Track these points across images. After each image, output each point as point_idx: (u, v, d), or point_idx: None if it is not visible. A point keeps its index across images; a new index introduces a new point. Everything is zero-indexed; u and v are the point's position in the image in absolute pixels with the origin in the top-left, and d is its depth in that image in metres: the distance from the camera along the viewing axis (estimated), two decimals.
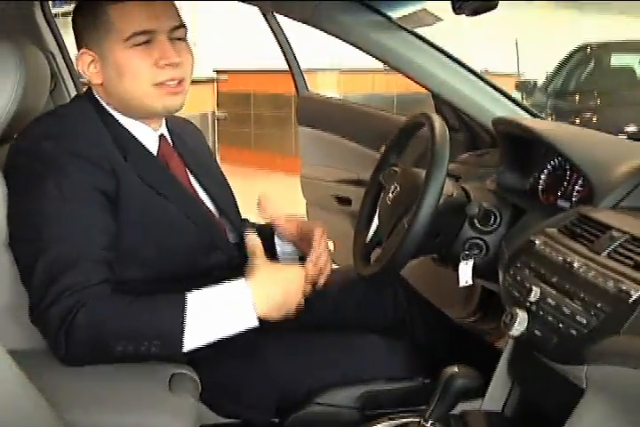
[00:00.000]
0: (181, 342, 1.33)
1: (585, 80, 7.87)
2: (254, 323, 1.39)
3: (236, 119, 8.41)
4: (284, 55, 3.13)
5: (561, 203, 1.75)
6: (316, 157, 3.17)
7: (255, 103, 8.62)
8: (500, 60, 8.57)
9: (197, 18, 9.04)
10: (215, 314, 1.37)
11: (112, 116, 1.55)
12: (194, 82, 1.60)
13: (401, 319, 1.85)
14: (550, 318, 1.26)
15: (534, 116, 2.18)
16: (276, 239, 1.80)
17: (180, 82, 1.53)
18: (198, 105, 5.63)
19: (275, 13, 2.17)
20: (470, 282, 1.68)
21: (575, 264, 1.28)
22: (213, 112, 6.25)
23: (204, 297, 1.37)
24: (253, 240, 1.51)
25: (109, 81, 1.52)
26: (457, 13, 1.60)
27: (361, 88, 8.34)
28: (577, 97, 7.46)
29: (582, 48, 8.11)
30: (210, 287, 1.39)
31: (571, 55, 8.02)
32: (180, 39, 1.53)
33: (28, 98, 1.52)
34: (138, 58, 1.48)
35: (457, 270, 1.72)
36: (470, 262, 1.66)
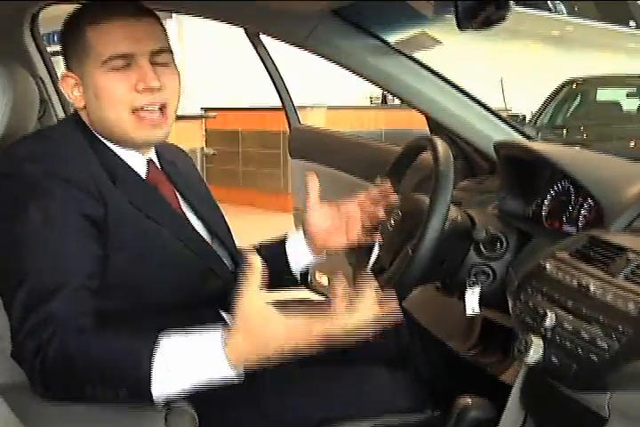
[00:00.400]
0: (149, 390, 1.21)
1: (572, 114, 7.92)
2: (232, 373, 1.23)
3: (224, 156, 8.40)
4: (275, 86, 3.09)
5: (567, 228, 1.71)
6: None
7: (243, 141, 8.61)
8: (484, 95, 8.61)
9: (186, 56, 9.09)
10: (185, 364, 1.22)
11: (98, 139, 1.49)
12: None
13: (403, 350, 1.78)
14: (568, 344, 1.21)
15: (532, 140, 2.15)
16: (288, 250, 1.74)
17: (162, 109, 1.46)
18: (187, 141, 5.62)
19: (270, 37, 2.11)
20: (477, 310, 1.62)
21: (591, 287, 1.23)
22: (202, 148, 6.23)
23: (175, 342, 1.23)
24: (253, 261, 1.23)
25: (90, 105, 1.47)
26: (462, 29, 1.57)
27: (348, 124, 8.35)
28: (565, 131, 7.50)
29: (569, 83, 8.18)
30: (186, 332, 1.25)
31: (558, 90, 8.08)
32: (163, 63, 1.48)
33: (14, 123, 1.47)
34: (116, 82, 1.42)
35: (462, 299, 1.66)
36: (477, 290, 1.61)
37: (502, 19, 1.45)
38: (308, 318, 1.24)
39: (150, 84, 1.42)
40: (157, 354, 1.20)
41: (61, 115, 2.21)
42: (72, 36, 1.46)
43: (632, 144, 6.86)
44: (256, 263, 1.21)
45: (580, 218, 1.67)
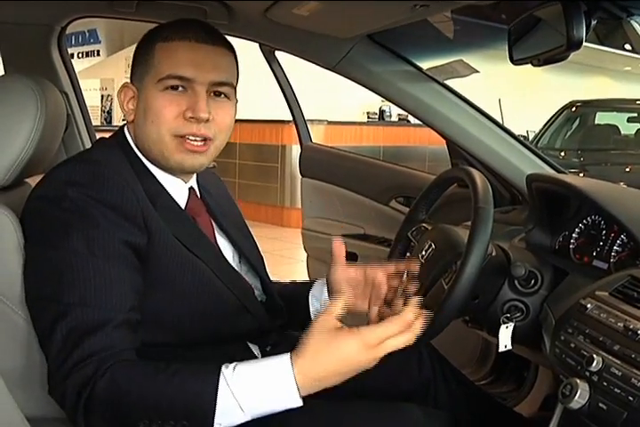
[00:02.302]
0: (212, 422, 1.17)
1: (570, 137, 7.93)
2: (298, 403, 1.20)
3: (221, 169, 8.36)
4: (289, 105, 3.07)
5: (597, 263, 1.68)
6: (318, 209, 3.08)
7: (240, 153, 8.57)
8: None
9: None
10: (252, 393, 1.19)
11: (141, 162, 1.46)
12: None
13: (425, 382, 1.74)
14: (617, 391, 1.17)
15: (561, 173, 2.12)
16: (312, 300, 1.68)
17: (205, 141, 1.43)
18: None
19: (303, 59, 2.09)
20: (510, 347, 1.58)
21: None
22: None
23: (240, 373, 1.19)
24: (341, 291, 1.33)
25: (137, 120, 1.44)
26: (515, 64, 1.55)
27: (348, 140, 8.35)
28: (562, 154, 7.51)
29: (569, 106, 8.19)
30: (249, 362, 1.22)
31: (559, 112, 8.09)
32: (221, 96, 1.45)
33: (46, 138, 1.43)
34: (166, 102, 1.39)
35: (492, 333, 1.63)
36: (511, 326, 1.57)
37: (566, 58, 1.42)
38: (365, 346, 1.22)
39: (198, 115, 1.39)
40: (221, 383, 1.17)
41: (84, 130, 2.18)
42: (142, 50, 1.44)
43: (627, 169, 6.86)
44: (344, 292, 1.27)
45: (613, 254, 1.64)
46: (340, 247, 1.57)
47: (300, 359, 1.19)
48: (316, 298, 1.67)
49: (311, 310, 1.68)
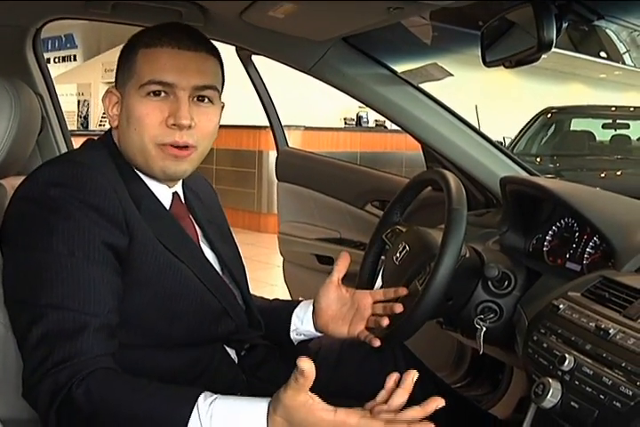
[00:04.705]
0: None
1: (546, 143, 7.98)
2: None
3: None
4: (265, 110, 3.06)
5: (570, 265, 1.69)
6: (294, 213, 3.08)
7: (217, 158, 8.56)
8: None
9: None
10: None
11: (127, 165, 1.44)
12: None
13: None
14: (588, 389, 1.18)
15: (534, 175, 2.14)
16: (294, 319, 1.66)
17: (188, 147, 1.41)
18: None
19: (278, 62, 2.10)
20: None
21: (611, 331, 1.21)
22: None
23: (215, 410, 1.13)
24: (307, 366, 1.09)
25: (121, 126, 1.43)
26: (488, 66, 1.56)
27: (325, 146, 8.36)
28: (538, 160, 7.55)
29: (544, 112, 8.24)
30: (226, 399, 1.16)
31: (534, 118, 8.14)
32: (205, 100, 1.43)
33: (20, 139, 1.42)
34: (148, 110, 1.38)
35: (466, 335, 1.65)
36: (483, 328, 1.58)
37: (537, 59, 1.44)
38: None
39: (180, 122, 1.36)
40: (193, 416, 1.13)
41: (58, 132, 2.16)
42: (125, 56, 1.43)
43: (602, 175, 6.91)
44: (309, 372, 1.08)
45: (585, 256, 1.65)
46: (345, 263, 1.56)
47: (277, 414, 1.11)
48: (299, 317, 1.66)
49: (291, 328, 1.66)
